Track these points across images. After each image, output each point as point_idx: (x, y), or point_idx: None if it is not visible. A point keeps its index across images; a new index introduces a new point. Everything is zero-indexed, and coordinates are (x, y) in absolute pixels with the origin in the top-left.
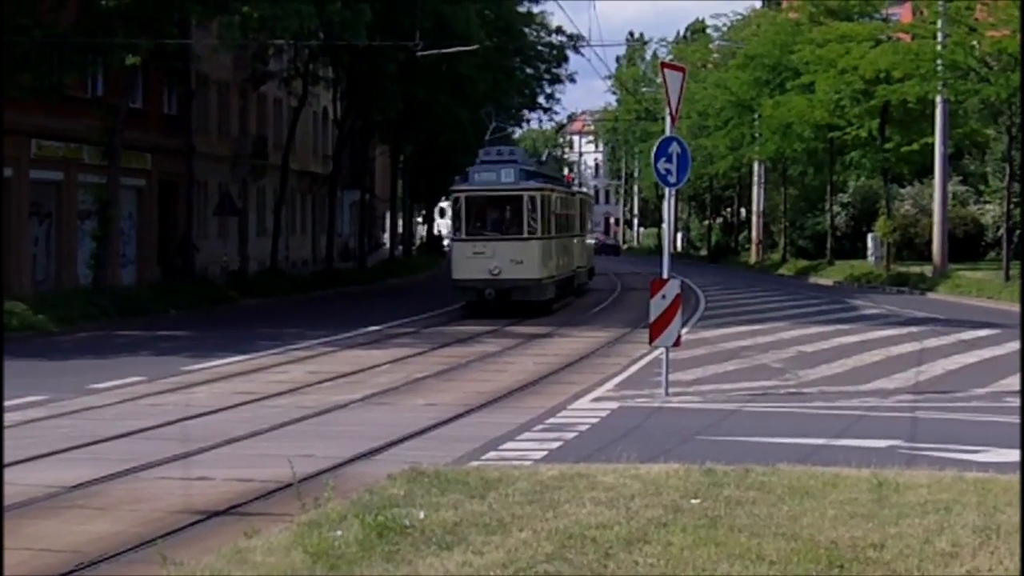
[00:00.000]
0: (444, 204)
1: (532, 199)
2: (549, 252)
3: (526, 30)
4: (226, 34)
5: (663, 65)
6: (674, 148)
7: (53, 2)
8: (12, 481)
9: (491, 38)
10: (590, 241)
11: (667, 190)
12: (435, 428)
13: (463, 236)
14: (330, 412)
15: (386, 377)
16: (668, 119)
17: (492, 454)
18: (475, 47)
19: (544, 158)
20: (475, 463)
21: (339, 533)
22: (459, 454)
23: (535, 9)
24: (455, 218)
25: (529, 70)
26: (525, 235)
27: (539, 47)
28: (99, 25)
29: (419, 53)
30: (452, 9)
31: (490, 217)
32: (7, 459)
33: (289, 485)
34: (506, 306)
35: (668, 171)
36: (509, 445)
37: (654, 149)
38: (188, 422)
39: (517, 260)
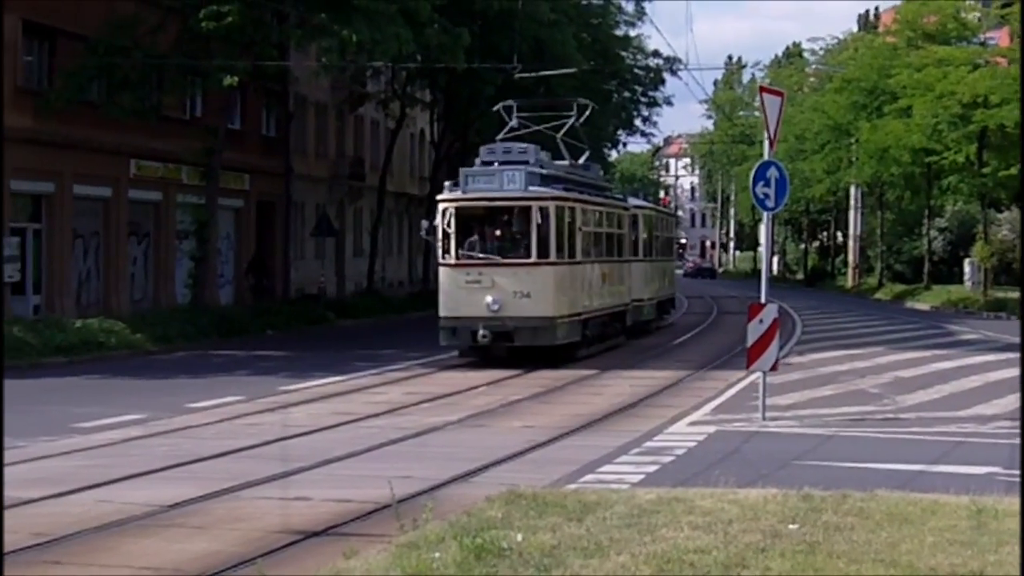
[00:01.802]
0: (425, 222)
1: (544, 211)
2: (571, 282)
3: (623, 53)
4: (325, 57)
5: (762, 89)
6: (772, 172)
7: (153, 24)
8: (111, 499)
9: (588, 61)
10: (659, 265)
11: (765, 214)
12: (532, 450)
13: (452, 260)
14: (427, 433)
15: (483, 399)
16: (766, 143)
17: (589, 477)
18: (573, 70)
19: (613, 186)
20: (573, 486)
21: (437, 555)
22: (556, 477)
23: (632, 32)
24: (443, 237)
25: (626, 93)
26: (533, 259)
27: (636, 70)
28: (198, 47)
29: (517, 76)
30: (550, 32)
31: (488, 235)
32: (106, 477)
33: (387, 506)
34: (510, 353)
35: (766, 195)
36: (606, 468)
37: (752, 173)
38: (286, 442)
39: (522, 292)
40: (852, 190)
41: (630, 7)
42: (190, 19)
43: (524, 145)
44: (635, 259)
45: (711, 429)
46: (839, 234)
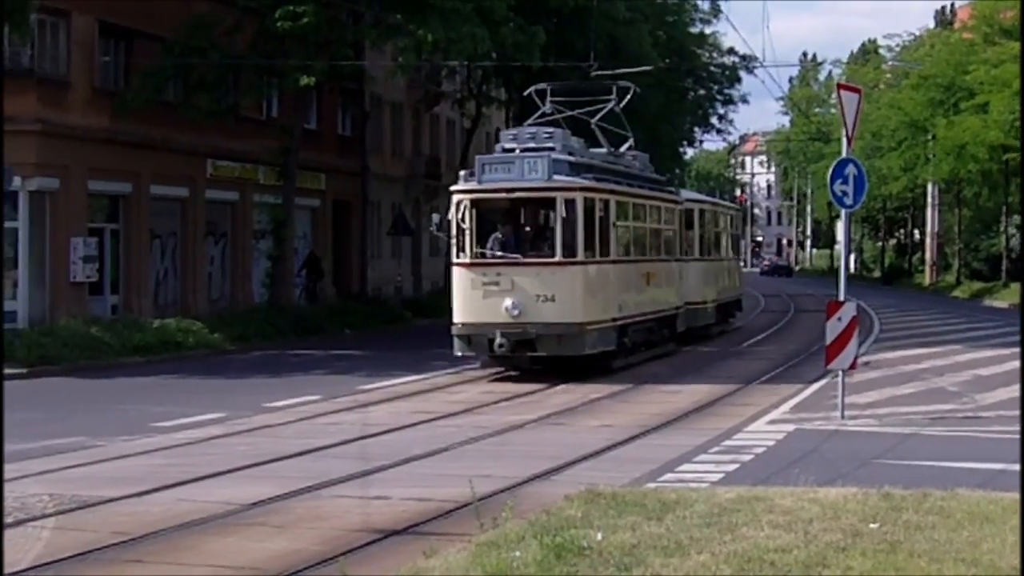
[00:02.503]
0: (436, 215)
1: (570, 203)
2: (603, 284)
3: (699, 51)
4: (401, 57)
5: (839, 86)
6: (850, 170)
7: (230, 25)
8: (192, 498)
9: (664, 59)
10: (721, 265)
11: (843, 212)
12: (611, 449)
13: (467, 260)
14: (506, 432)
15: (562, 398)
16: (844, 140)
17: (669, 476)
18: (648, 68)
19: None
20: (652, 485)
21: (517, 554)
22: (636, 475)
23: (708, 30)
24: (457, 233)
25: (702, 91)
26: (558, 258)
27: (712, 68)
28: (275, 47)
29: (593, 74)
30: (625, 30)
31: (507, 231)
32: (186, 476)
33: (467, 505)
34: (536, 364)
35: (844, 193)
36: (685, 467)
37: (830, 171)
38: (365, 441)
39: (546, 295)
40: (929, 187)
41: (706, 5)
42: (266, 19)
43: (550, 129)
44: (689, 258)
45: (790, 428)
46: (916, 232)
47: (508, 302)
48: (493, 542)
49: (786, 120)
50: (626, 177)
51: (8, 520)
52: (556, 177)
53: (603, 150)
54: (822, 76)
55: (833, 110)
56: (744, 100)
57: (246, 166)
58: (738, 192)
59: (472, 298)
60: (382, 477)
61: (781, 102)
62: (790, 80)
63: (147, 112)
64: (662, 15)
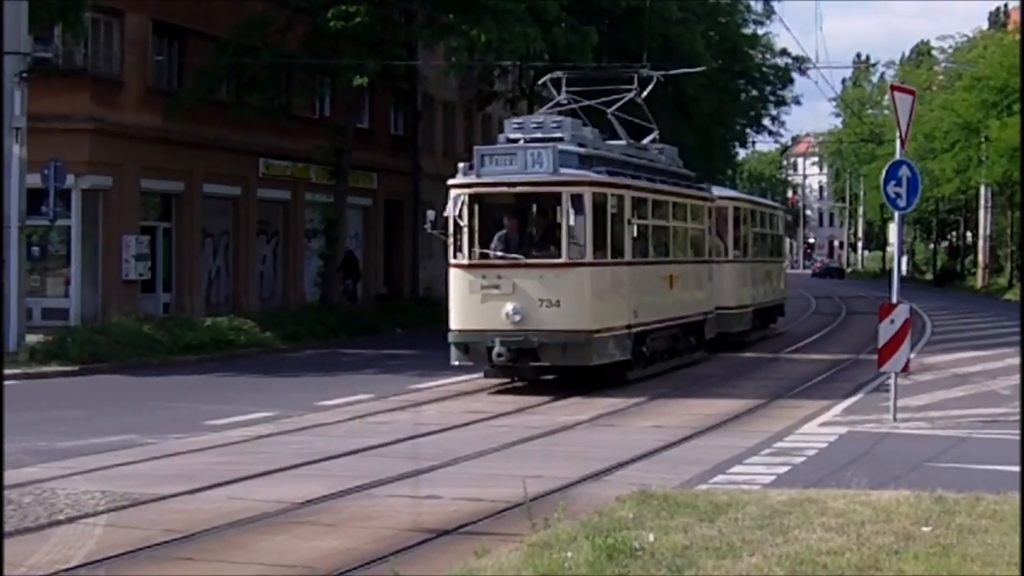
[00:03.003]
0: (431, 212)
1: (577, 199)
2: (615, 287)
3: (751, 52)
4: (453, 56)
5: (893, 88)
6: (904, 171)
7: (282, 24)
8: (243, 496)
9: (716, 60)
10: (760, 267)
11: (896, 214)
12: (662, 450)
13: (464, 260)
14: (558, 432)
15: (612, 399)
16: (898, 142)
17: (720, 477)
18: (701, 69)
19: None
20: (704, 486)
21: (569, 555)
22: (687, 477)
23: (761, 31)
24: (454, 231)
25: (754, 92)
26: (563, 259)
27: (764, 69)
28: (327, 47)
29: (646, 74)
30: (678, 31)
31: (508, 229)
32: (238, 474)
33: (518, 505)
34: (538, 373)
35: (898, 195)
36: (737, 468)
37: (884, 172)
38: (417, 440)
39: (550, 300)
40: (982, 189)
41: (759, 6)
42: (319, 19)
43: (559, 118)
44: (722, 260)
45: (842, 430)
46: (968, 234)
47: (509, 307)
48: (545, 542)
49: (838, 121)
50: (648, 171)
51: (60, 517)
52: (563, 170)
53: (622, 142)
54: (875, 77)
55: (886, 111)
56: (797, 101)
57: (298, 165)
58: (790, 193)
59: (470, 302)
60: (433, 477)
61: (834, 103)
62: (843, 81)
63: (200, 111)
64: (715, 16)
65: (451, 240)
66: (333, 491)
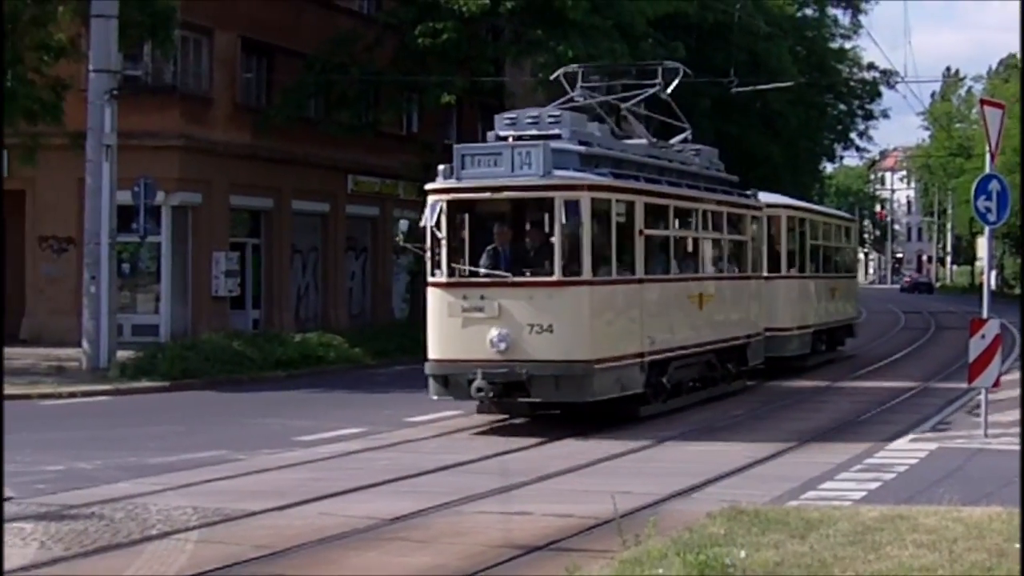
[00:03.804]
0: (404, 222)
1: (572, 205)
2: (623, 308)
3: (839, 66)
4: (541, 72)
5: (982, 102)
6: (994, 186)
7: (370, 41)
8: (334, 512)
9: (804, 74)
10: (823, 284)
11: (986, 228)
12: (752, 467)
13: (443, 279)
14: (645, 448)
15: (702, 415)
16: (987, 156)
17: (811, 493)
18: (789, 84)
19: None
20: (794, 502)
21: (660, 571)
22: (777, 493)
23: (848, 45)
24: (432, 244)
25: (842, 106)
26: (557, 276)
27: (852, 83)
28: (415, 63)
29: (734, 90)
30: (766, 46)
31: (498, 242)
32: (328, 490)
33: (608, 521)
34: (533, 408)
35: (988, 209)
36: (828, 485)
37: (974, 187)
38: (505, 456)
39: (541, 325)
40: None
41: (846, 20)
42: (407, 36)
43: (558, 112)
44: (774, 275)
45: (932, 446)
46: None
47: (493, 333)
48: (636, 559)
49: (927, 135)
50: (674, 175)
51: (152, 532)
52: (559, 172)
53: (642, 141)
54: (963, 91)
55: (975, 125)
56: (885, 115)
57: (386, 181)
58: (878, 208)
59: (450, 327)
60: (523, 493)
61: (922, 117)
62: (931, 95)
63: (288, 128)
64: (802, 30)
65: (429, 254)
66: (423, 507)
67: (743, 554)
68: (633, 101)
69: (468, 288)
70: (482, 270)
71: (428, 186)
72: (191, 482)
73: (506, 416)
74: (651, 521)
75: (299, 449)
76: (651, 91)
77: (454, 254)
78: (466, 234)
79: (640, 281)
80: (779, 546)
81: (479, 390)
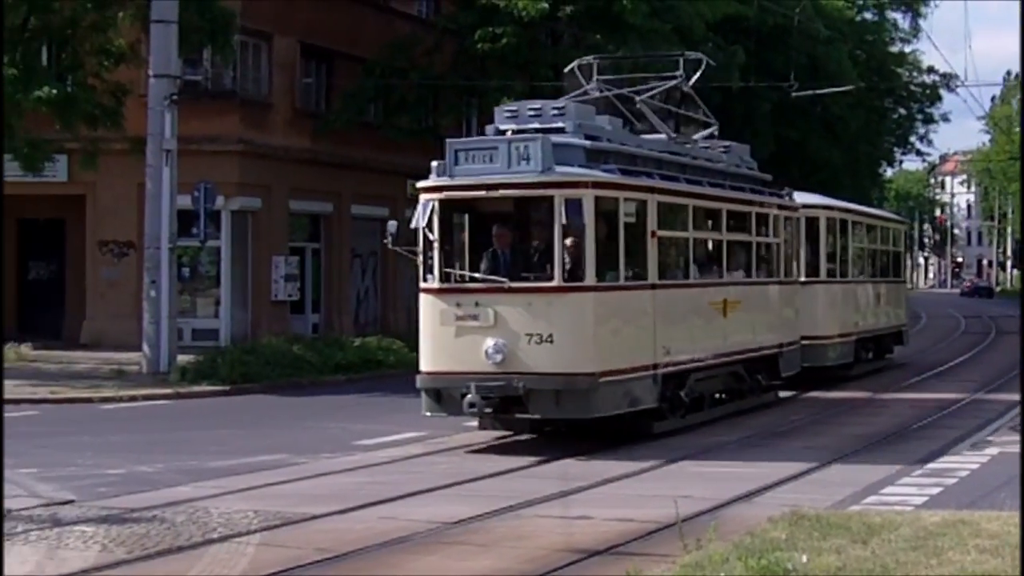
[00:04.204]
0: (392, 223)
1: (575, 205)
2: (630, 317)
3: (898, 70)
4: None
5: None
6: None
7: (429, 46)
8: (394, 516)
9: (863, 78)
10: (866, 288)
11: None
12: (812, 472)
13: (435, 284)
14: (707, 452)
15: (761, 419)
16: None
17: (872, 498)
18: (848, 88)
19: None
20: (856, 507)
21: (722, 575)
22: (838, 498)
23: (907, 49)
24: (424, 247)
25: (901, 110)
26: (557, 282)
27: (912, 87)
28: (474, 68)
29: (793, 94)
30: (825, 50)
31: (498, 245)
32: (389, 494)
33: (669, 526)
34: (534, 424)
35: None
36: (889, 490)
37: None
38: (566, 461)
39: (540, 335)
40: None
41: (905, 23)
42: (466, 40)
43: (562, 103)
44: (811, 280)
45: (993, 451)
46: None
47: (488, 343)
48: (698, 563)
49: (987, 139)
50: (697, 172)
51: (213, 536)
52: (560, 168)
53: (660, 136)
54: None
55: None
56: (945, 119)
57: None
58: (938, 212)
59: (442, 337)
60: (583, 497)
61: (982, 121)
62: (992, 99)
63: (348, 133)
64: (861, 34)
65: (420, 258)
66: (483, 511)
67: (804, 559)
68: (649, 93)
69: (461, 295)
70: (477, 275)
71: (419, 184)
72: (252, 486)
73: (510, 432)
74: (712, 525)
75: (359, 453)
76: (671, 83)
77: (447, 258)
78: (460, 236)
79: (652, 287)
80: (841, 551)
81: (471, 405)
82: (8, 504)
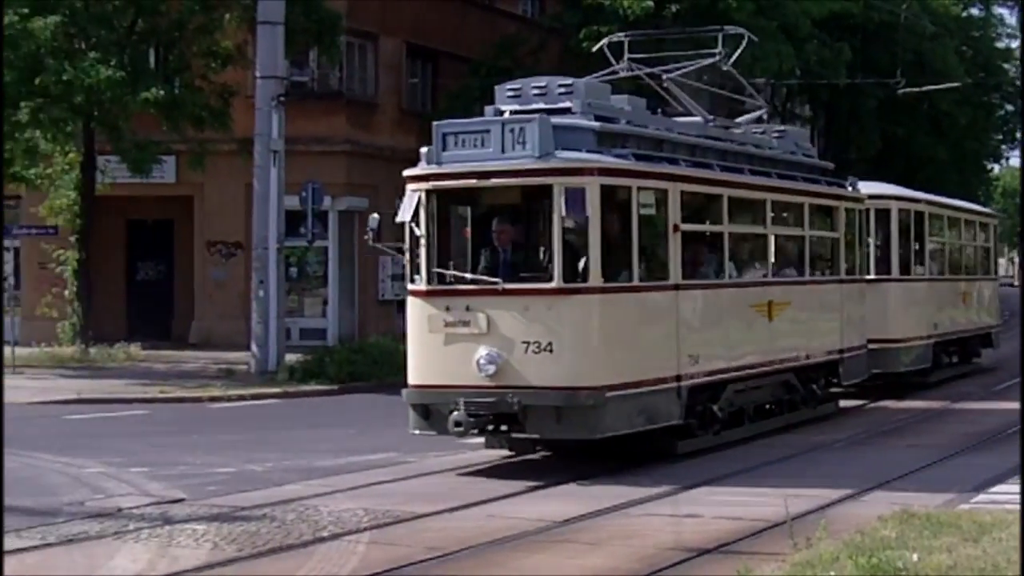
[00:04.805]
0: (374, 216)
1: (577, 195)
2: (646, 322)
3: (1006, 66)
4: (705, 75)
5: None
6: None
7: (534, 45)
8: (502, 514)
9: (970, 74)
10: (947, 287)
11: None
12: (921, 470)
13: (423, 286)
14: (815, 451)
15: (869, 417)
16: None
17: (982, 497)
18: (955, 84)
19: None
20: (966, 506)
21: (832, 574)
22: (948, 496)
23: (1014, 44)
24: (411, 243)
25: (1009, 106)
26: (557, 283)
27: (1019, 82)
28: (579, 67)
29: (900, 91)
30: (931, 46)
31: (498, 241)
32: (496, 493)
33: (778, 524)
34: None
35: None
36: (1000, 488)
37: None
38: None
39: (539, 343)
40: None
41: (1012, 18)
42: (571, 39)
43: (570, 81)
44: (882, 278)
45: None
46: None
47: (481, 353)
48: (808, 562)
49: None
50: (739, 159)
51: (324, 534)
52: (562, 154)
53: (694, 118)
54: None
55: None
56: None
57: None
58: None
59: (430, 346)
60: (692, 495)
61: None
62: None
63: None
64: (967, 30)
65: (407, 256)
66: (591, 510)
67: (915, 557)
68: (679, 71)
69: (451, 297)
70: (467, 275)
71: (406, 172)
72: (361, 484)
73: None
74: (822, 524)
75: (467, 452)
76: (708, 61)
77: (436, 256)
78: (451, 231)
79: (676, 287)
80: (951, 549)
81: (457, 424)
82: (119, 502)
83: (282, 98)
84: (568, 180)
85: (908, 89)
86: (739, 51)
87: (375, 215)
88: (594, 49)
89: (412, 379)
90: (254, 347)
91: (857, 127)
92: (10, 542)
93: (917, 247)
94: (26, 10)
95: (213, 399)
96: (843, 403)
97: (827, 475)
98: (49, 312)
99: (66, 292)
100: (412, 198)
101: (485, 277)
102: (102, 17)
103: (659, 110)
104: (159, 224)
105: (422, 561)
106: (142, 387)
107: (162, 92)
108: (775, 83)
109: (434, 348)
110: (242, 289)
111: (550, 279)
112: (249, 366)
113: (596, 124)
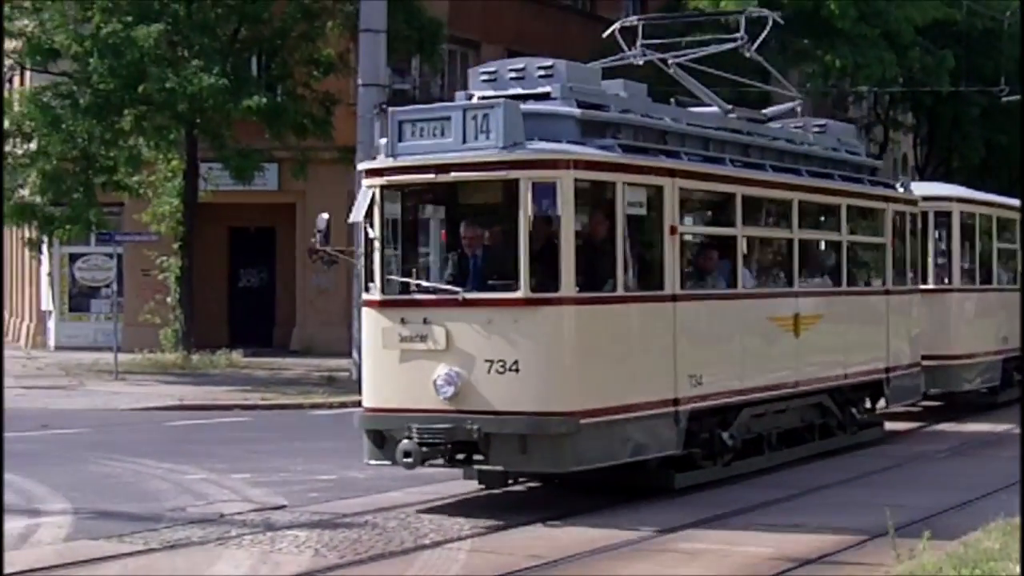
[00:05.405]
0: (323, 216)
1: (546, 191)
2: (634, 337)
3: None
4: (808, 83)
5: None
6: None
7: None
8: (603, 523)
9: None
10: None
11: None
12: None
13: (377, 296)
14: (917, 461)
15: (972, 427)
16: None
17: None
18: None
19: None
20: None
21: None
22: None
23: None
24: (366, 247)
25: None
26: (523, 292)
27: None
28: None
29: (1004, 99)
30: None
31: (467, 245)
32: (597, 502)
33: (880, 535)
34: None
35: None
36: None
37: None
38: (776, 470)
39: (503, 362)
40: None
41: None
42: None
43: (550, 63)
44: (941, 288)
45: None
46: None
47: (439, 372)
48: (911, 573)
49: None
50: (764, 154)
51: (425, 541)
52: (532, 145)
53: (712, 109)
54: None
55: None
56: None
57: None
58: None
59: (385, 363)
60: (793, 505)
61: None
62: None
63: None
64: None
65: (364, 261)
66: (692, 520)
67: (1019, 569)
68: (690, 56)
69: (407, 309)
70: (424, 283)
71: (360, 166)
72: (461, 492)
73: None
74: (925, 535)
75: None
76: (730, 46)
77: (391, 261)
78: (414, 233)
79: (673, 298)
80: None
81: (407, 454)
82: (221, 508)
83: (384, 106)
84: (536, 174)
85: (1011, 97)
86: (764, 34)
87: (324, 215)
88: (605, 35)
89: (366, 401)
90: (355, 354)
91: (960, 135)
92: (113, 547)
93: (983, 253)
94: (130, 18)
95: (314, 406)
96: (892, 426)
97: (927, 486)
98: (152, 319)
99: (169, 299)
100: (365, 195)
101: (443, 286)
102: (205, 25)
103: (672, 100)
104: (261, 231)
105: (524, 569)
106: (243, 394)
107: (264, 100)
108: (878, 91)
109: (389, 366)
110: (344, 296)
111: (516, 284)
112: (351, 373)
113: (577, 111)
